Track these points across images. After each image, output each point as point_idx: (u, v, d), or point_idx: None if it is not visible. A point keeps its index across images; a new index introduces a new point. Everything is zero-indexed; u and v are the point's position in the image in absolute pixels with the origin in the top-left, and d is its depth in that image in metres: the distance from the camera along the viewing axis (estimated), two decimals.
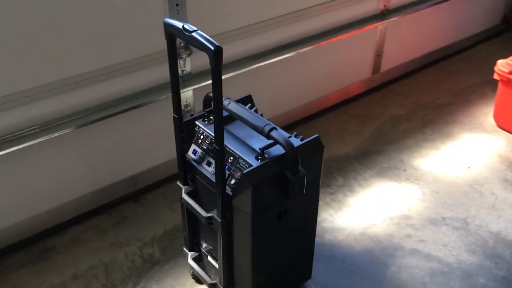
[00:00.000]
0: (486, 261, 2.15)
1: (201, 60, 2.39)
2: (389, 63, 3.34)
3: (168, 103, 2.35)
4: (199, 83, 2.40)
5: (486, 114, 3.12)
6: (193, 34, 1.37)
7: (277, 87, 2.84)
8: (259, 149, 1.59)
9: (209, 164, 1.70)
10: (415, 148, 2.83)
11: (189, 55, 2.34)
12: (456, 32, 3.74)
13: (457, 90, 3.38)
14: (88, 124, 2.16)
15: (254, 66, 2.56)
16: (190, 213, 1.86)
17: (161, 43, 2.22)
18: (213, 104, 1.44)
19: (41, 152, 2.12)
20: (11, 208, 2.16)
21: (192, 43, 1.38)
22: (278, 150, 1.62)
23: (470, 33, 3.87)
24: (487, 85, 3.41)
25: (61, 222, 2.33)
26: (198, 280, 2.04)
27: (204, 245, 1.93)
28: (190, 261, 1.94)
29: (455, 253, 2.19)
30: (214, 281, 1.85)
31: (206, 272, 1.91)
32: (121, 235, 2.29)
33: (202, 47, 1.35)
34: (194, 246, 1.96)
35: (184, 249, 1.98)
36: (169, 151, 2.53)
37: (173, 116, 1.68)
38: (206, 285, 1.89)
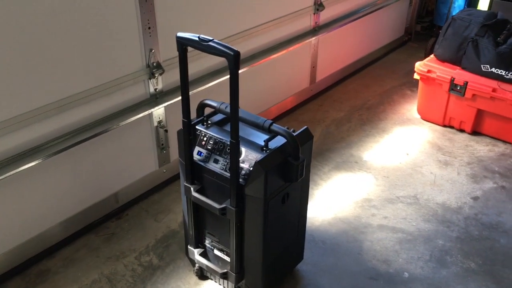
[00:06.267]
0: (440, 226, 2.54)
1: (172, 78, 2.59)
2: (322, 73, 3.73)
3: (141, 122, 2.52)
4: (171, 100, 2.58)
5: (410, 110, 3.60)
6: (210, 43, 1.59)
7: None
8: (264, 141, 1.82)
9: (216, 161, 1.90)
10: (360, 143, 3.21)
11: (161, 74, 2.51)
12: (372, 44, 4.27)
13: (382, 92, 3.85)
14: (71, 147, 2.23)
15: (213, 83, 2.78)
16: (195, 211, 2.03)
17: (136, 64, 2.41)
18: (230, 102, 1.65)
19: (27, 179, 2.16)
20: (0, 236, 2.17)
21: (210, 51, 1.60)
22: (277, 142, 1.86)
23: (381, 44, 4.41)
24: (404, 86, 3.93)
25: (50, 246, 2.36)
26: (202, 276, 2.20)
27: (208, 240, 2.10)
28: (198, 257, 2.10)
29: (414, 224, 2.56)
30: (225, 270, 2.02)
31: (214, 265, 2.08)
32: (114, 249, 2.38)
33: (221, 53, 1.58)
34: (198, 243, 2.12)
35: (189, 247, 2.13)
36: (144, 167, 2.68)
37: (183, 120, 1.85)
38: (216, 275, 2.06)
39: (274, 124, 1.85)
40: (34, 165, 2.11)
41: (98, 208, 2.53)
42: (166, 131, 2.67)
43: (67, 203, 2.38)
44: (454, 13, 3.78)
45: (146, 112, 2.49)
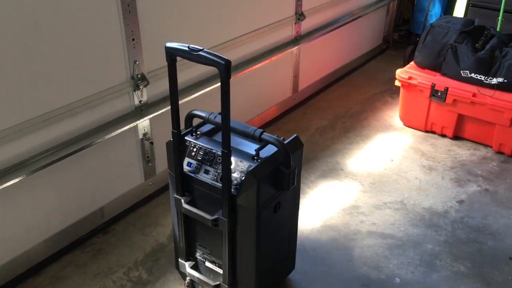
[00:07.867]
0: (428, 231, 2.56)
1: (157, 90, 2.57)
2: (305, 82, 3.75)
3: (127, 134, 2.49)
4: (156, 112, 2.55)
5: (392, 117, 3.64)
6: (201, 52, 1.58)
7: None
8: (255, 150, 1.81)
9: (206, 172, 1.88)
10: (344, 151, 3.23)
11: (145, 85, 2.49)
12: (352, 52, 4.31)
13: (364, 100, 3.89)
14: (55, 162, 2.18)
15: (199, 93, 2.77)
16: (186, 223, 2.00)
17: (121, 76, 2.38)
18: (221, 111, 1.64)
19: (11, 196, 2.10)
20: None
21: (200, 60, 1.59)
22: (268, 151, 1.85)
23: (361, 52, 4.47)
24: (385, 93, 3.98)
25: (35, 264, 2.30)
26: None
27: (199, 252, 2.07)
28: (189, 270, 2.07)
29: (402, 229, 2.57)
30: (217, 282, 1.99)
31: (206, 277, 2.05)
32: (102, 265, 2.32)
33: (211, 62, 1.57)
34: (189, 256, 2.09)
35: (180, 260, 2.10)
36: (130, 181, 2.64)
37: (172, 131, 1.83)
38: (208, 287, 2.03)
39: (264, 133, 1.85)
40: (18, 181, 2.06)
41: (84, 223, 2.47)
42: (151, 143, 2.64)
43: (52, 220, 2.32)
44: (431, 21, 3.85)
45: (131, 125, 2.46)
